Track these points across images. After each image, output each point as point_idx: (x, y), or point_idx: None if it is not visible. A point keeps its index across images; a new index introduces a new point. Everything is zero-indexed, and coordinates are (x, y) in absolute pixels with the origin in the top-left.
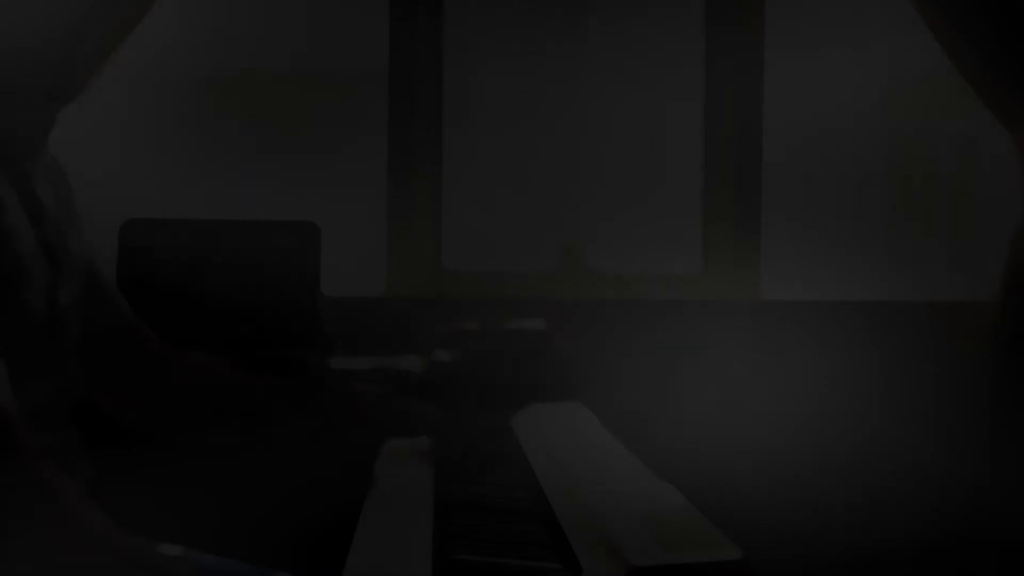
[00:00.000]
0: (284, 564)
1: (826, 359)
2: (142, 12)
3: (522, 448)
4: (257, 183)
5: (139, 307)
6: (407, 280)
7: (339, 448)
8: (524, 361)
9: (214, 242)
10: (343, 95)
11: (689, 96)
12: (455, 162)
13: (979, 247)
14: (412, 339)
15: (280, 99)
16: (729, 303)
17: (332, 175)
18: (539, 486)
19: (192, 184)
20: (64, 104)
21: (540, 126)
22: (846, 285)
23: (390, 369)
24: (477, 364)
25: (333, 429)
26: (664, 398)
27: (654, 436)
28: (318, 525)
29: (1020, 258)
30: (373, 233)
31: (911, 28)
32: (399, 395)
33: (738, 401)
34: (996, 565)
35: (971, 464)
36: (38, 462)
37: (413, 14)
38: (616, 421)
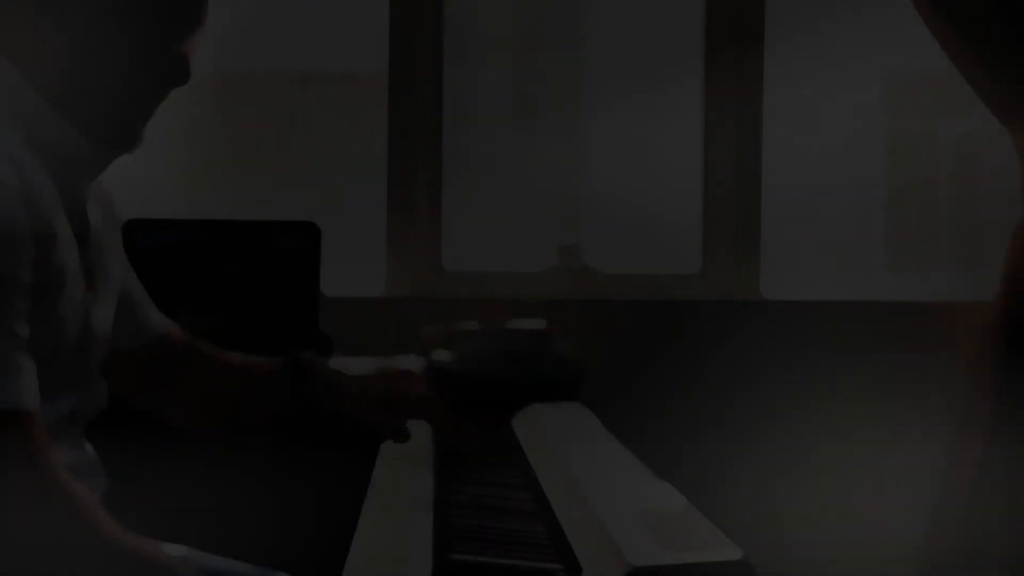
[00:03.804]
0: (284, 564)
1: (826, 359)
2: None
3: (522, 448)
4: (257, 183)
5: None
6: (407, 280)
7: (338, 448)
8: (524, 361)
9: (214, 242)
10: (343, 95)
11: (689, 96)
12: (455, 162)
13: (979, 247)
14: (412, 339)
15: (280, 99)
16: (729, 303)
17: (332, 175)
18: (539, 486)
19: (192, 184)
20: (119, 154)
21: (540, 126)
22: (846, 285)
23: (390, 369)
24: (477, 364)
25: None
26: (664, 398)
27: (654, 436)
28: (318, 525)
29: (1020, 258)
30: (373, 233)
31: (911, 28)
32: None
33: (737, 400)
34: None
35: (970, 467)
36: (60, 469)
37: (413, 14)
38: (616, 421)
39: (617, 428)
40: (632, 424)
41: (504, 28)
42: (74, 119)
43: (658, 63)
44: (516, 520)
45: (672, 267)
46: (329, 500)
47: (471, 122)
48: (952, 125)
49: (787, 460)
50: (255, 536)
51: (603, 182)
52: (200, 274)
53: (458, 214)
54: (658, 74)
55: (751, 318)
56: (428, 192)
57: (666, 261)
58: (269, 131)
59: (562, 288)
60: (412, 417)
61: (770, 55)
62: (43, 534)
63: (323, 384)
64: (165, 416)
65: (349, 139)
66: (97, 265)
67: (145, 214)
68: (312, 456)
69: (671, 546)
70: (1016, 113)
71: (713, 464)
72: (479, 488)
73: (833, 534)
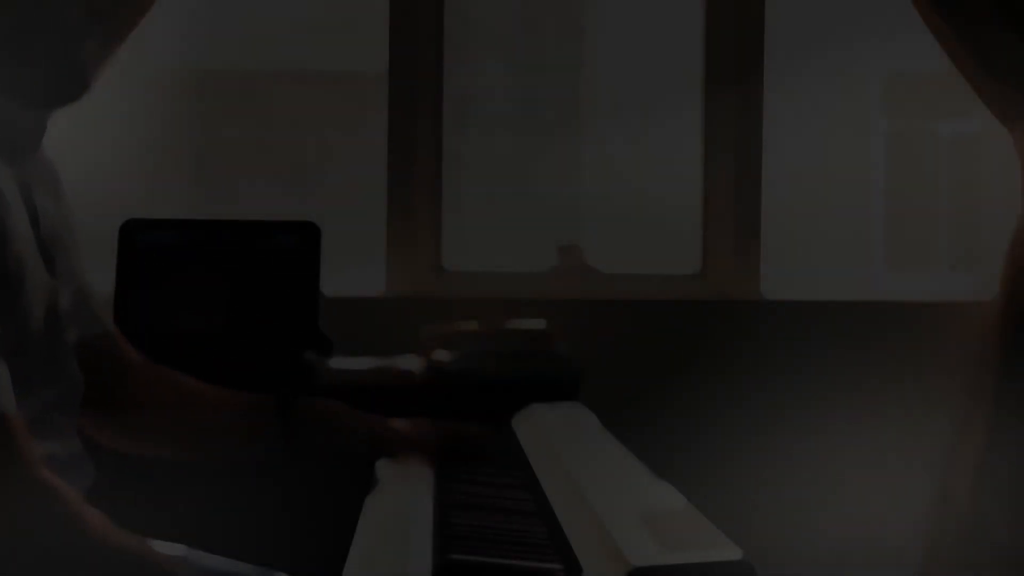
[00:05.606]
0: (284, 564)
1: (826, 359)
2: (143, 10)
3: (522, 448)
4: (257, 183)
5: (138, 307)
6: (407, 280)
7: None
8: (524, 361)
9: (214, 242)
10: (343, 95)
11: (690, 95)
12: (455, 162)
13: (979, 247)
14: (412, 339)
15: (279, 99)
16: (729, 303)
17: (332, 175)
18: (539, 486)
19: (192, 184)
20: (65, 105)
21: (540, 126)
22: (846, 285)
23: (390, 369)
24: (477, 364)
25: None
26: (664, 398)
27: (654, 436)
28: (318, 525)
29: (1020, 258)
30: (373, 233)
31: (911, 28)
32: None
33: (737, 400)
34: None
35: (970, 467)
36: (41, 468)
37: (413, 14)
38: (616, 421)
39: (617, 428)
40: (632, 424)
41: (504, 28)
42: (11, 90)
43: (659, 63)
44: (516, 520)
45: (672, 267)
46: (329, 500)
47: (471, 122)
48: (952, 125)
49: (787, 460)
50: (255, 536)
51: (603, 182)
52: (200, 274)
53: (458, 214)
54: (658, 74)
55: (751, 318)
56: (428, 192)
57: (666, 261)
58: (269, 131)
59: (562, 288)
60: (412, 418)
61: (770, 55)
62: (27, 535)
63: (311, 422)
64: (106, 436)
65: (349, 139)
66: (54, 248)
67: (145, 214)
68: (311, 455)
69: (671, 546)
70: (1016, 113)
71: (713, 464)
72: (479, 488)
73: (833, 534)
